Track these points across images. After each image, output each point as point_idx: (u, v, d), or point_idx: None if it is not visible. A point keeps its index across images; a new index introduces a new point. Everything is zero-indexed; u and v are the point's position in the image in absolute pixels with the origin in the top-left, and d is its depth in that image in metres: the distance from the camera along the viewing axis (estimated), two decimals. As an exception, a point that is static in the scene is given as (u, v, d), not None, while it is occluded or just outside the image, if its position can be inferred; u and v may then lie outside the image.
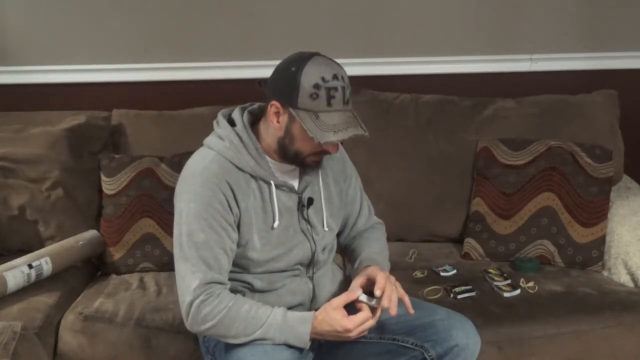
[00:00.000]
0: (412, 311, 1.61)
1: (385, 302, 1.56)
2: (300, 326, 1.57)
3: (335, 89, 1.56)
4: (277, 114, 1.59)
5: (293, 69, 1.56)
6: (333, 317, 1.56)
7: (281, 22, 2.65)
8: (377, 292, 1.57)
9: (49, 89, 2.65)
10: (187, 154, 2.29)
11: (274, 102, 1.59)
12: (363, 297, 1.59)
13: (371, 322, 1.58)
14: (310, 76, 1.54)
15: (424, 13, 2.69)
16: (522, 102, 2.56)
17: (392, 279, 1.63)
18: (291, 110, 1.56)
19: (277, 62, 2.89)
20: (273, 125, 1.61)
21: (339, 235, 1.88)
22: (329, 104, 1.55)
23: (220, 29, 2.65)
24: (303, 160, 1.65)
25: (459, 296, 2.03)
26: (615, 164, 2.39)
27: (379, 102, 2.55)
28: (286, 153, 1.64)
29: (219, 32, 2.66)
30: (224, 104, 2.43)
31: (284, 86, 1.57)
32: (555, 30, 2.73)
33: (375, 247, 1.82)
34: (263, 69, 2.62)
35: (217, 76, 2.68)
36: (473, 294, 2.05)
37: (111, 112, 2.52)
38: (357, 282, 1.64)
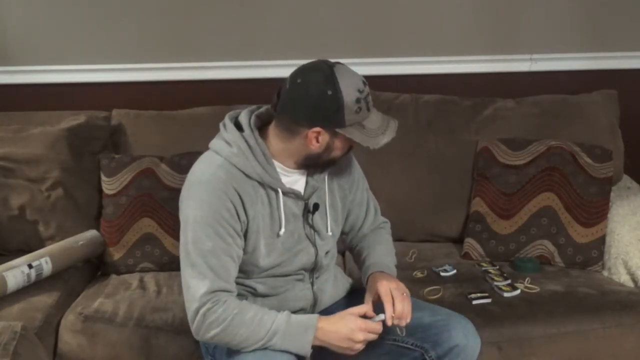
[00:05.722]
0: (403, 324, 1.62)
1: (388, 322, 1.58)
2: (303, 335, 1.54)
3: (369, 94, 1.58)
4: (317, 136, 1.57)
5: (329, 92, 1.51)
6: (348, 317, 1.56)
7: (281, 22, 2.64)
8: (388, 317, 1.59)
9: (49, 89, 2.64)
10: (187, 154, 2.31)
11: (316, 129, 1.55)
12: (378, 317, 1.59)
13: (374, 337, 1.58)
14: (350, 94, 1.53)
15: (424, 13, 2.68)
16: (522, 102, 2.56)
17: (401, 286, 1.65)
18: (337, 130, 1.55)
19: (277, 62, 2.88)
20: (311, 147, 1.58)
21: (345, 235, 1.88)
22: (369, 109, 1.57)
23: (220, 29, 2.65)
24: (335, 162, 1.67)
25: (475, 302, 2.01)
26: (615, 164, 2.39)
27: (379, 102, 2.53)
28: (317, 162, 1.64)
29: (219, 32, 2.65)
30: (224, 104, 2.44)
31: (326, 111, 1.53)
32: (555, 30, 2.73)
33: (381, 250, 1.82)
34: (263, 69, 2.65)
35: (217, 76, 2.67)
36: (489, 300, 2.02)
37: (111, 112, 2.52)
38: (369, 299, 1.66)
